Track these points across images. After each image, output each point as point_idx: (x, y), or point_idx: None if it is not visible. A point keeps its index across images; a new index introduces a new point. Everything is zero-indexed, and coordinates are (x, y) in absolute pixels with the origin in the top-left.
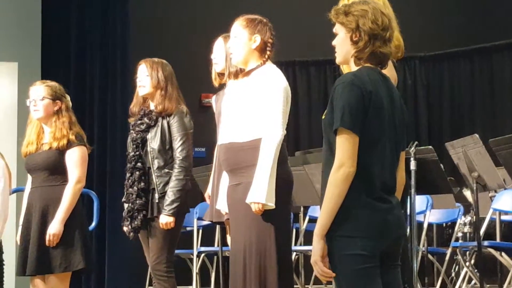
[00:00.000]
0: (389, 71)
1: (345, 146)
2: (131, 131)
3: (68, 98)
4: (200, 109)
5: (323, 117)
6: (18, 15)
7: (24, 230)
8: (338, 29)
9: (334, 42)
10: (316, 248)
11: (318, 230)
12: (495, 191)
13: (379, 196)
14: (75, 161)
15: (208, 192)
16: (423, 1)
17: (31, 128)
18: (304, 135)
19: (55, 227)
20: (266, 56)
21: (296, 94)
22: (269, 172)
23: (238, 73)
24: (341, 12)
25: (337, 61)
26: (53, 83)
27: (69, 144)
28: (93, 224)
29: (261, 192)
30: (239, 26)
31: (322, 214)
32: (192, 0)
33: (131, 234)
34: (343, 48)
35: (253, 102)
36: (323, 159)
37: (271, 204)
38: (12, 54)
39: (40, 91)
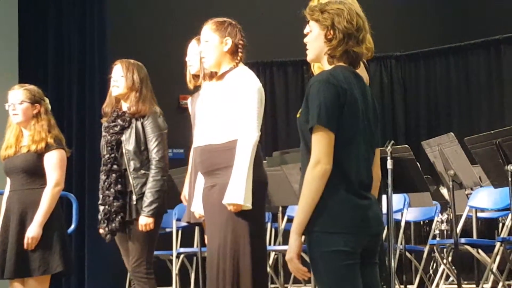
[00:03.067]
0: (361, 72)
1: (321, 143)
2: (105, 134)
3: (47, 101)
4: (179, 111)
5: (298, 115)
6: None
7: (3, 233)
8: (312, 26)
9: (306, 39)
10: (293, 245)
11: (295, 227)
12: (471, 189)
13: (358, 192)
14: (54, 164)
15: (184, 194)
16: (399, 0)
17: (10, 131)
18: (282, 135)
19: (33, 230)
20: (238, 58)
21: (274, 94)
22: (246, 173)
23: (213, 75)
24: (317, 9)
25: (309, 58)
26: (32, 87)
27: (48, 147)
28: (72, 226)
29: (238, 193)
30: (209, 30)
31: (299, 211)
32: (168, 3)
33: (108, 236)
34: (316, 45)
35: (227, 104)
36: (301, 157)
37: (248, 205)
38: None
39: (18, 95)
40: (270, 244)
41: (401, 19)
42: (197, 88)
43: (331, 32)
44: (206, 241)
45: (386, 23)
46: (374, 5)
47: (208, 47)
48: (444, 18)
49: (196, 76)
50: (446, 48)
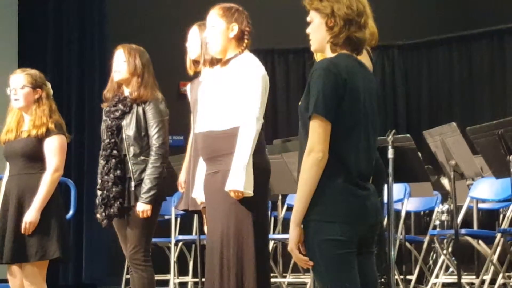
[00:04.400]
0: (365, 61)
1: (316, 131)
2: (105, 118)
3: (49, 86)
4: (179, 97)
5: (300, 103)
6: None
7: (1, 218)
8: (312, 15)
9: (308, 30)
10: (292, 235)
11: (294, 217)
12: (473, 179)
13: (357, 182)
14: (54, 149)
15: (180, 180)
16: None
17: (12, 116)
18: (282, 123)
19: (31, 215)
20: (244, 45)
21: (275, 82)
22: (247, 160)
23: (214, 61)
24: None
25: (312, 48)
26: (34, 71)
27: (48, 133)
28: (70, 212)
29: (239, 180)
30: (215, 16)
31: (297, 200)
32: None
33: (104, 221)
34: (318, 35)
35: (231, 91)
36: (300, 145)
37: (250, 192)
38: None
39: (20, 79)
40: (269, 232)
41: (403, 8)
42: (196, 74)
43: (332, 19)
44: (205, 229)
45: (388, 12)
46: None
47: (214, 32)
48: (447, 8)
49: (196, 62)
50: (448, 37)
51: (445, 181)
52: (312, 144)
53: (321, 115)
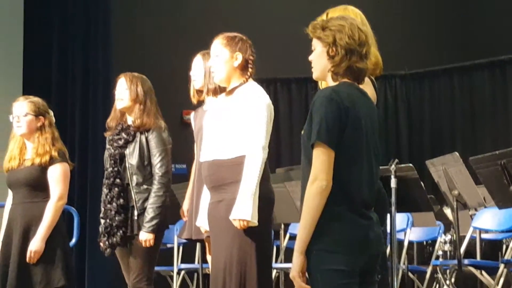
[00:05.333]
0: (368, 89)
1: (319, 159)
2: (109, 147)
3: (52, 113)
4: (182, 126)
5: (303, 132)
6: (0, 32)
7: (5, 246)
8: (315, 44)
9: (310, 57)
10: (295, 263)
11: (297, 245)
12: (475, 210)
13: (360, 212)
14: (57, 177)
15: (183, 209)
16: (404, 19)
17: (14, 143)
18: (285, 152)
19: (36, 244)
20: (248, 74)
21: (278, 111)
22: (253, 189)
23: (217, 90)
24: (319, 27)
25: (314, 76)
26: (36, 99)
27: (52, 161)
28: (73, 240)
29: (246, 209)
30: (219, 45)
31: (300, 228)
32: (174, 17)
33: (108, 250)
34: (320, 63)
35: (236, 120)
36: (302, 174)
37: (255, 221)
38: None
39: (23, 107)
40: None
41: (406, 38)
42: (200, 103)
43: (333, 48)
44: (208, 257)
45: (391, 42)
46: (379, 24)
47: (218, 61)
48: (449, 38)
49: (199, 91)
50: (450, 67)
51: (447, 211)
52: (316, 172)
53: (324, 143)
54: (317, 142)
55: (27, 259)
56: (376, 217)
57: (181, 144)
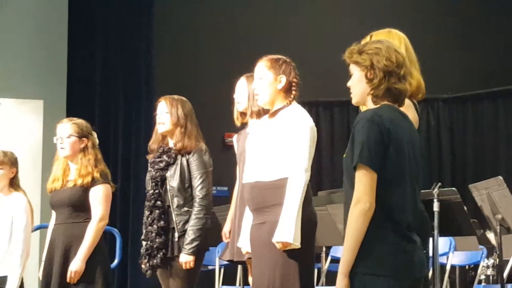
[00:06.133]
0: (410, 112)
1: (362, 181)
2: (150, 169)
3: (95, 135)
4: (224, 148)
5: (345, 155)
6: (45, 53)
7: (46, 266)
8: (352, 69)
9: (349, 83)
10: (339, 285)
11: (342, 267)
12: None
13: (404, 234)
14: (99, 198)
15: (225, 231)
16: (448, 43)
17: (58, 164)
18: (326, 175)
19: (76, 264)
20: (292, 96)
21: (320, 134)
22: (296, 212)
23: (261, 113)
24: (355, 51)
25: (354, 101)
26: (80, 121)
27: (94, 182)
28: (115, 262)
29: (288, 232)
30: (263, 67)
31: (344, 250)
32: (217, 39)
33: (148, 272)
34: (359, 88)
35: (279, 142)
36: (345, 196)
37: (297, 244)
38: (38, 92)
39: (67, 128)
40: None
41: (450, 61)
42: (243, 125)
43: (371, 71)
44: (250, 279)
45: (434, 65)
46: (422, 47)
47: (262, 84)
48: (493, 61)
49: (243, 114)
50: (494, 91)
51: (490, 235)
52: (358, 194)
53: (366, 165)
54: (359, 164)
55: (68, 279)
56: (420, 241)
57: (223, 166)
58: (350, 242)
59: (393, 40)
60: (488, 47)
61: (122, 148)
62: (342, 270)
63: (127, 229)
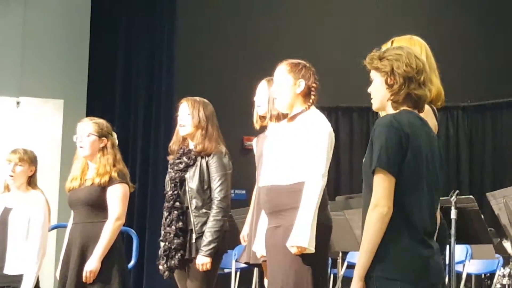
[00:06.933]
0: (429, 119)
1: (380, 185)
2: (170, 170)
3: (115, 135)
4: (242, 152)
5: (364, 159)
6: (66, 54)
7: (64, 265)
8: (373, 75)
9: (369, 89)
10: None
11: (357, 271)
12: None
13: (421, 240)
14: (116, 198)
15: (243, 234)
16: (468, 50)
17: (77, 164)
18: (345, 181)
19: (92, 264)
20: (311, 101)
21: (338, 140)
22: (312, 217)
23: (280, 116)
24: (376, 57)
25: (374, 107)
26: (101, 120)
27: (111, 181)
28: (132, 262)
29: (303, 236)
30: (283, 71)
31: (361, 254)
32: (239, 43)
33: (166, 273)
34: (379, 93)
35: (297, 146)
36: (363, 201)
37: (312, 249)
38: (58, 92)
39: (87, 127)
40: None
41: (469, 70)
42: (263, 128)
43: (392, 77)
44: (265, 282)
45: (453, 73)
46: (442, 55)
47: (281, 88)
48: None
49: (263, 117)
50: None
51: (507, 244)
52: (377, 198)
53: (385, 169)
54: (377, 168)
55: (84, 279)
56: (437, 246)
57: (241, 169)
58: (367, 246)
59: (414, 46)
60: (508, 55)
61: (141, 149)
62: (358, 274)
63: (144, 230)
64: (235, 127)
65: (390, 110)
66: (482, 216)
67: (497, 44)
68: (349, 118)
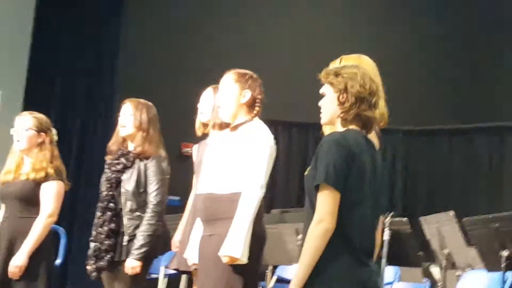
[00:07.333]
0: (373, 139)
1: (326, 202)
2: (106, 170)
3: (54, 131)
4: (179, 158)
5: (306, 172)
6: (6, 44)
7: None
8: (326, 89)
9: (320, 103)
10: None
11: (294, 283)
12: (463, 270)
13: (359, 258)
14: (51, 194)
15: (174, 240)
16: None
17: (12, 157)
18: (280, 195)
19: (19, 259)
20: (255, 112)
21: (276, 153)
22: (247, 228)
23: (223, 125)
24: (332, 73)
25: (323, 121)
26: (40, 115)
27: (47, 177)
28: (59, 261)
29: (237, 246)
30: (230, 80)
31: (300, 267)
32: (184, 48)
33: (94, 274)
34: (330, 108)
35: (237, 156)
36: (305, 215)
37: (244, 260)
38: None
39: (26, 121)
40: None
41: (407, 95)
42: (204, 136)
43: (344, 95)
44: None
45: (393, 98)
46: (382, 80)
47: (226, 96)
48: (451, 99)
49: (205, 124)
50: (451, 128)
51: (435, 269)
52: (322, 214)
53: (331, 185)
54: (324, 184)
55: (9, 274)
56: (375, 266)
57: (177, 176)
58: (308, 260)
59: (363, 65)
60: (451, 84)
61: (76, 146)
62: (296, 284)
63: (72, 230)
64: (174, 133)
65: (338, 126)
66: (415, 240)
67: (446, 73)
68: (289, 133)
